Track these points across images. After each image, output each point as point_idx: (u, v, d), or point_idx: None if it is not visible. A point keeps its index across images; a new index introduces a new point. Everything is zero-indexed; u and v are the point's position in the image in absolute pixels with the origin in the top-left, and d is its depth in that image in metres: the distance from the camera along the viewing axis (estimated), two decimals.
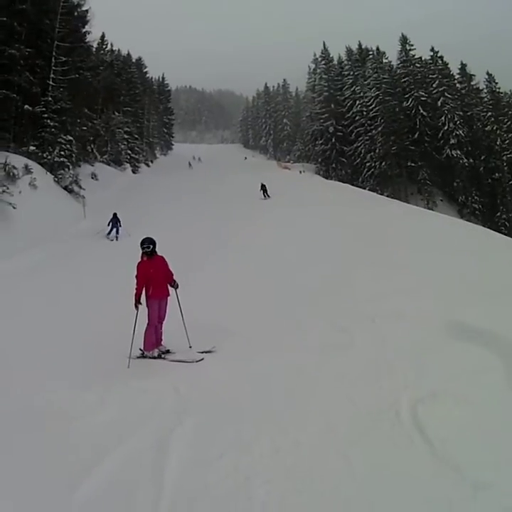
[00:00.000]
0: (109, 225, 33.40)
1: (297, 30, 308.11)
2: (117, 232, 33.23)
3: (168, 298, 12.12)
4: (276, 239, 27.19)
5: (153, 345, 11.76)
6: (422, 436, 7.71)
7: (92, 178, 50.94)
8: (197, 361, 11.18)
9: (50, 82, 44.06)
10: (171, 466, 7.19)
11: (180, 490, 6.69)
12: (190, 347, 11.96)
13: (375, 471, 6.94)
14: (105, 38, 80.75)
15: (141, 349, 11.77)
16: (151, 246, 11.94)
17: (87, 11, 54.83)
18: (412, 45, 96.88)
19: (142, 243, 11.88)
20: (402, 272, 18.86)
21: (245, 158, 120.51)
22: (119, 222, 33.54)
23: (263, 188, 51.02)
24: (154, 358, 11.62)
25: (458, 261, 20.23)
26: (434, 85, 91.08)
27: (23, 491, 6.81)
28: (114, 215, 33.61)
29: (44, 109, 43.10)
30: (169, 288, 12.09)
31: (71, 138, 45.37)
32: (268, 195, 50.37)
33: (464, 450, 7.27)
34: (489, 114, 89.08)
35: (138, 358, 11.69)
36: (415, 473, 6.86)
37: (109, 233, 33.27)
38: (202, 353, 11.74)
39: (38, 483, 6.96)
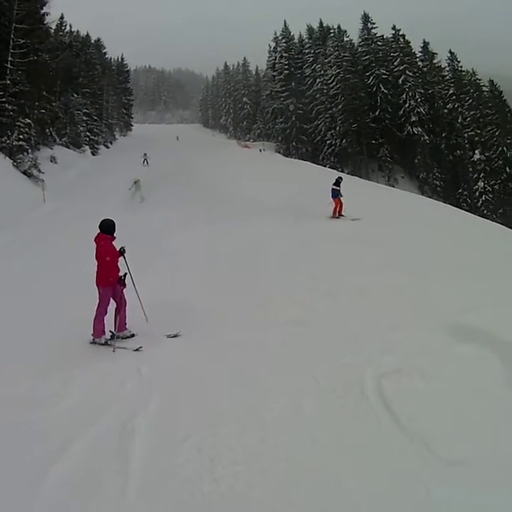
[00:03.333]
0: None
1: (258, 9, 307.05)
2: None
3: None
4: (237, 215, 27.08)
5: (101, 332, 11.52)
6: (389, 412, 7.76)
7: (52, 161, 49.93)
8: (134, 350, 11.00)
9: (8, 66, 42.87)
10: (136, 451, 7.11)
11: (146, 474, 6.62)
12: (147, 321, 12.15)
13: (342, 450, 6.95)
14: (64, 19, 79.69)
15: (92, 335, 11.58)
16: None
17: None
18: (373, 24, 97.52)
19: (112, 226, 11.51)
20: (368, 248, 18.92)
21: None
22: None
23: None
24: (102, 344, 11.41)
25: (426, 236, 20.45)
26: (395, 63, 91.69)
27: None
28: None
29: (2, 92, 42.03)
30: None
31: (29, 121, 44.45)
32: None
33: (432, 426, 7.34)
34: (451, 91, 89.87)
35: (91, 344, 11.53)
36: (383, 450, 6.89)
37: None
38: (171, 337, 11.64)
39: (4, 472, 6.83)
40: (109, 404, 8.50)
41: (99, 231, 11.49)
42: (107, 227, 11.49)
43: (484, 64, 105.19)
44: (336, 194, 29.34)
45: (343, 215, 28.37)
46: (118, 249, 11.60)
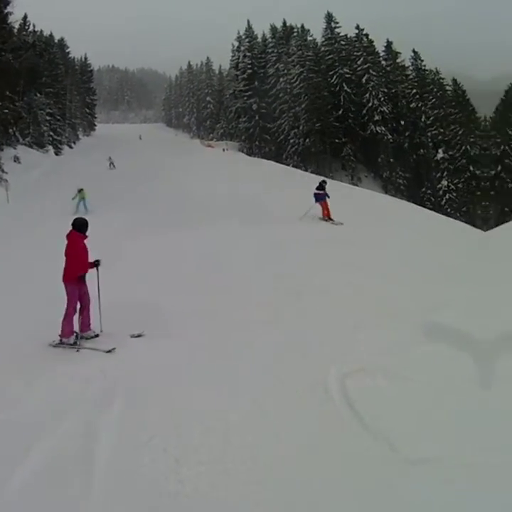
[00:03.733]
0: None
1: (222, 8, 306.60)
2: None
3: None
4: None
5: (70, 332, 11.44)
6: (352, 412, 7.84)
7: (15, 161, 49.65)
8: (106, 352, 10.91)
9: None
10: (101, 452, 7.06)
11: (111, 476, 6.58)
12: (101, 331, 11.83)
13: (306, 450, 7.01)
14: (27, 19, 79.12)
15: (59, 335, 11.48)
16: None
17: None
18: (337, 23, 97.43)
19: (85, 225, 11.72)
20: (335, 248, 19.04)
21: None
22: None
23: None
24: (70, 345, 11.32)
25: (391, 235, 20.63)
26: (358, 62, 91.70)
27: None
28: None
29: None
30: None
31: None
32: None
33: (396, 425, 7.41)
34: (414, 91, 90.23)
35: (56, 345, 11.39)
36: (347, 450, 6.94)
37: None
38: (135, 337, 11.59)
39: None
40: (74, 406, 8.43)
41: (71, 228, 11.60)
42: (80, 226, 11.64)
43: (448, 64, 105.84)
44: (322, 197, 28.52)
45: (331, 219, 27.76)
46: (93, 262, 11.65)
